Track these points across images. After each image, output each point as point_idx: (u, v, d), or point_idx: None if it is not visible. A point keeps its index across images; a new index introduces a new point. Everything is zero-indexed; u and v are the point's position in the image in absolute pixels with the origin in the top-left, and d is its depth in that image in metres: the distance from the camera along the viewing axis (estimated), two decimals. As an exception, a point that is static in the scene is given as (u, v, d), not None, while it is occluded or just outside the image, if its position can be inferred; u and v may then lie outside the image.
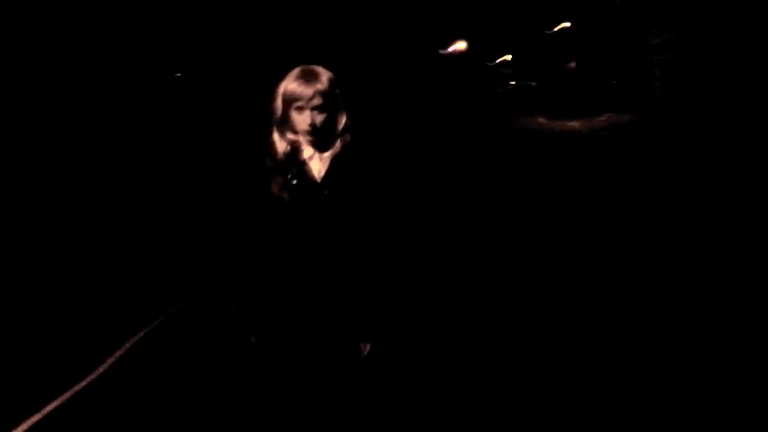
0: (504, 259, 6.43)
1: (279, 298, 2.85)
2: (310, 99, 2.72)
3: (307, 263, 2.83)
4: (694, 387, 3.86)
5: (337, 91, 2.79)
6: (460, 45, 34.23)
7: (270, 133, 2.83)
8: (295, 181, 2.79)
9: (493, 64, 36.64)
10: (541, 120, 23.04)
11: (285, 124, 2.79)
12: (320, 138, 2.79)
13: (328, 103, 2.75)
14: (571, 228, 7.46)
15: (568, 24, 31.75)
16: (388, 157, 3.01)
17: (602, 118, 22.60)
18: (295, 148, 2.81)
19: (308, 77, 2.74)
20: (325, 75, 2.77)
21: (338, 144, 2.83)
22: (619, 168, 12.52)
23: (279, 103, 2.78)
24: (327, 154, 2.83)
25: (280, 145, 2.82)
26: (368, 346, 2.92)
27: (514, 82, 31.83)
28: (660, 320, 4.76)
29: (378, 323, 2.91)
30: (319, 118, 2.75)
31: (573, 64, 31.88)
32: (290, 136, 2.80)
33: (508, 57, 37.68)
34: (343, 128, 2.82)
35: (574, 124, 21.81)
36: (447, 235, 7.66)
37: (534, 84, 31.23)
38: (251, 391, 3.06)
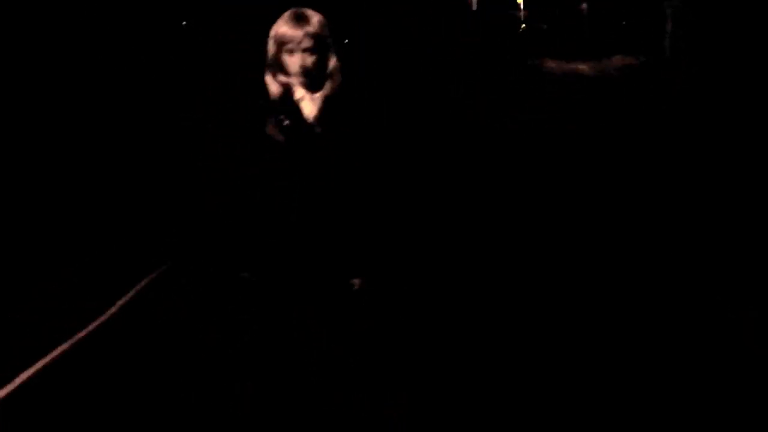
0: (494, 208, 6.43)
1: (272, 236, 2.97)
2: (300, 41, 2.80)
3: (300, 200, 2.94)
4: (694, 387, 3.85)
5: (327, 33, 2.87)
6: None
7: (263, 75, 2.92)
8: (287, 121, 2.88)
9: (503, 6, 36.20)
10: (550, 63, 22.87)
11: (277, 66, 2.88)
12: (311, 79, 2.87)
13: (318, 45, 2.83)
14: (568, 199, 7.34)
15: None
16: (378, 97, 3.09)
17: (612, 61, 22.44)
18: (287, 89, 2.90)
19: (298, 20, 2.82)
20: (315, 17, 2.85)
21: (328, 85, 2.92)
22: (626, 113, 12.47)
23: (271, 45, 2.86)
24: (318, 95, 2.91)
25: (273, 87, 2.91)
26: (359, 281, 3.04)
27: (524, 26, 31.45)
28: (659, 319, 4.74)
29: (368, 259, 3.03)
30: (310, 60, 2.83)
31: (584, 6, 31.49)
32: (282, 78, 2.89)
33: (520, 0, 37.24)
34: (332, 70, 2.91)
35: (584, 66, 21.65)
36: (436, 178, 7.58)
37: (545, 27, 30.86)
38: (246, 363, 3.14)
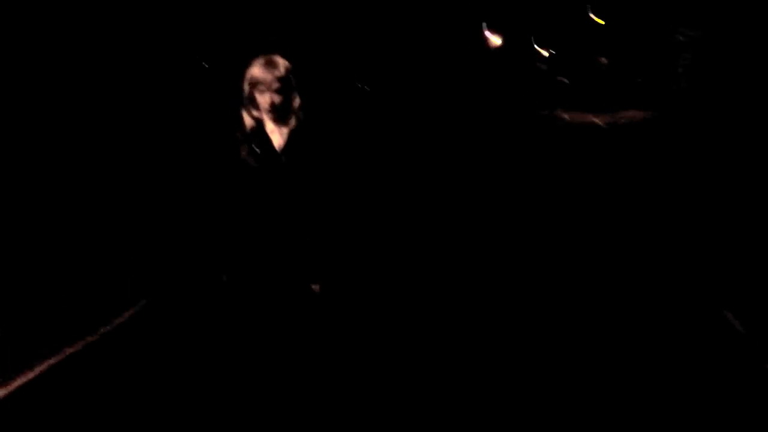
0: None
1: (246, 245, 3.54)
2: (270, 83, 3.40)
3: (269, 217, 3.52)
4: (695, 387, 3.77)
5: (292, 77, 3.46)
6: (495, 40, 34.61)
7: (239, 111, 3.52)
8: (258, 150, 3.47)
9: (528, 59, 36.91)
10: (565, 114, 23.42)
11: (250, 103, 3.47)
12: (279, 115, 3.46)
13: (285, 87, 3.43)
14: (573, 223, 7.17)
15: (602, 21, 31.98)
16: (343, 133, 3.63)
17: (624, 114, 22.96)
18: (259, 123, 3.49)
19: (268, 65, 3.42)
20: (282, 63, 3.45)
21: (293, 120, 3.50)
22: (632, 162, 12.78)
23: (246, 86, 3.46)
24: (285, 129, 3.50)
25: (247, 121, 3.50)
26: (318, 286, 3.60)
27: (546, 78, 32.12)
28: (660, 319, 4.63)
29: (327, 268, 3.59)
30: (278, 99, 3.42)
31: (605, 60, 32.15)
32: (255, 113, 3.48)
33: (545, 53, 37.97)
34: (297, 107, 3.50)
35: (595, 118, 22.17)
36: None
37: (566, 81, 31.52)
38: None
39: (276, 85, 3.40)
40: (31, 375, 3.67)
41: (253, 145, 3.47)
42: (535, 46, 36.49)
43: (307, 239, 3.54)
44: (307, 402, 2.92)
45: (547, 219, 7.66)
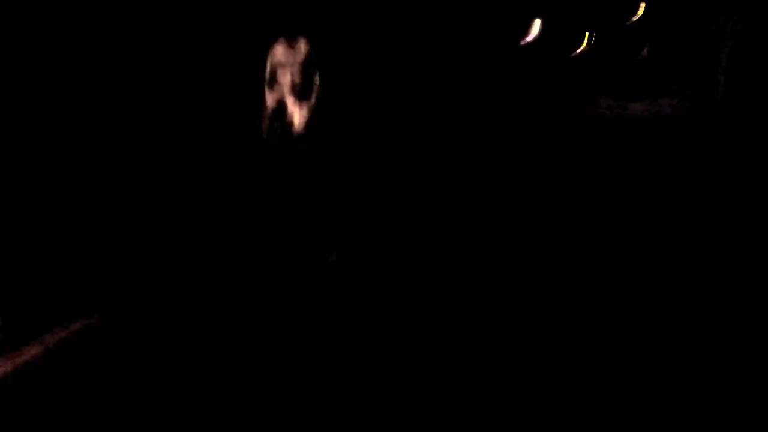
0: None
1: (266, 221, 3.72)
2: (292, 64, 3.57)
3: (290, 191, 3.70)
4: (696, 387, 3.63)
5: (313, 59, 3.63)
6: (534, 31, 34.45)
7: (263, 90, 3.69)
8: (280, 129, 3.65)
9: (571, 53, 36.62)
10: (604, 102, 23.30)
11: (273, 83, 3.65)
12: (299, 94, 3.63)
13: (305, 67, 3.60)
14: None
15: (641, 11, 31.63)
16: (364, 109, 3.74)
17: (665, 102, 22.77)
18: (280, 102, 3.67)
19: (290, 47, 3.60)
20: (303, 46, 3.62)
21: (313, 99, 3.67)
22: (668, 152, 12.73)
23: (269, 67, 3.64)
24: (305, 108, 3.67)
25: (270, 99, 3.68)
26: (335, 254, 3.77)
27: (585, 67, 31.90)
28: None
29: (343, 239, 3.76)
30: (298, 79, 3.59)
31: (645, 51, 31.86)
32: (276, 93, 3.66)
33: (584, 45, 37.69)
34: (317, 87, 3.66)
35: (638, 106, 22.07)
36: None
37: (605, 68, 31.27)
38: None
39: (297, 66, 3.56)
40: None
41: (274, 124, 3.64)
42: (576, 35, 36.25)
43: (325, 216, 3.71)
44: (307, 399, 2.94)
45: (577, 209, 7.53)
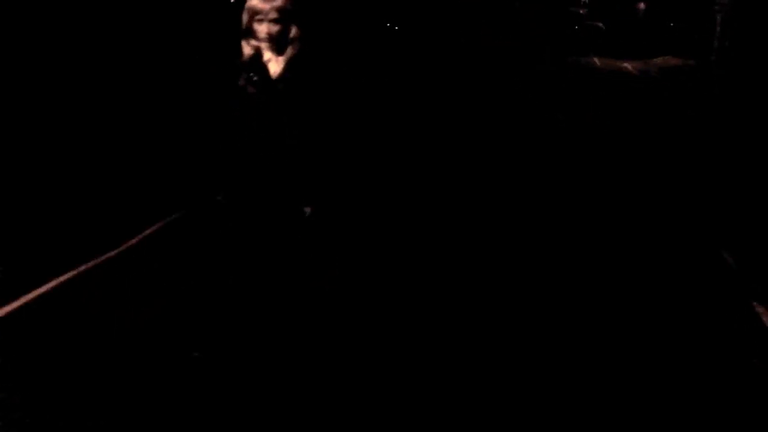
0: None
1: (244, 166, 3.75)
2: (268, 13, 3.56)
3: (266, 140, 3.72)
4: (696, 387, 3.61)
5: (291, 7, 3.62)
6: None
7: (239, 40, 3.69)
8: (256, 78, 3.65)
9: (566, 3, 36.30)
10: (598, 61, 23.17)
11: (249, 33, 3.64)
12: (276, 44, 3.63)
13: (282, 17, 3.59)
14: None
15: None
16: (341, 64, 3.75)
17: (657, 61, 22.63)
18: (257, 52, 3.66)
19: None
20: None
21: (290, 50, 3.67)
22: (660, 112, 12.70)
23: (245, 16, 3.63)
24: (282, 58, 3.67)
25: (246, 49, 3.68)
26: (309, 209, 3.81)
27: (581, 24, 31.64)
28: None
29: (317, 193, 3.80)
30: (275, 29, 3.59)
31: (642, 6, 31.54)
32: (253, 42, 3.65)
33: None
34: (293, 37, 3.66)
35: (627, 65, 21.89)
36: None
37: (601, 25, 31.04)
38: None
39: (273, 15, 3.56)
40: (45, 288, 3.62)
41: (251, 73, 3.65)
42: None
43: (301, 163, 3.74)
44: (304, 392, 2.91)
45: (568, 168, 7.38)
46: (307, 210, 3.82)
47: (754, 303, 3.93)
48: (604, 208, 5.44)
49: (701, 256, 4.59)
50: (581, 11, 36.63)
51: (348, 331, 3.15)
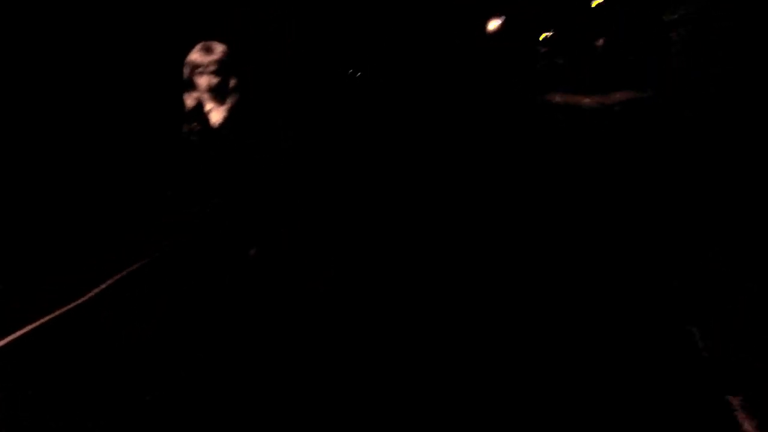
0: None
1: (193, 211, 3.91)
2: (207, 66, 3.76)
3: (211, 186, 3.90)
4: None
5: (229, 60, 3.83)
6: (494, 23, 34.76)
7: (180, 93, 3.89)
8: (198, 127, 3.84)
9: (530, 41, 36.97)
10: (556, 97, 23.62)
11: (191, 86, 3.84)
12: (216, 95, 3.83)
13: (221, 70, 3.79)
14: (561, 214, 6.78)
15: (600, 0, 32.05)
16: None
17: (617, 95, 23.16)
18: (199, 103, 3.86)
19: (206, 50, 3.79)
20: (219, 48, 3.82)
21: (230, 99, 3.87)
22: (620, 145, 12.92)
23: (186, 69, 3.83)
24: (223, 107, 3.87)
25: (189, 101, 3.88)
26: (254, 251, 3.98)
27: (540, 61, 32.25)
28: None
29: (267, 235, 3.97)
30: (214, 81, 3.79)
31: (601, 42, 32.30)
32: (195, 94, 3.85)
33: (549, 34, 38.03)
34: (232, 87, 3.86)
35: (587, 99, 22.39)
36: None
37: (561, 62, 31.67)
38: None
39: (213, 67, 3.76)
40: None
41: (193, 123, 3.84)
42: (534, 29, 36.62)
43: (248, 206, 3.92)
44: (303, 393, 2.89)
45: (532, 202, 7.49)
46: (253, 252, 3.98)
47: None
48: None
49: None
50: (543, 49, 37.40)
51: (343, 332, 3.26)
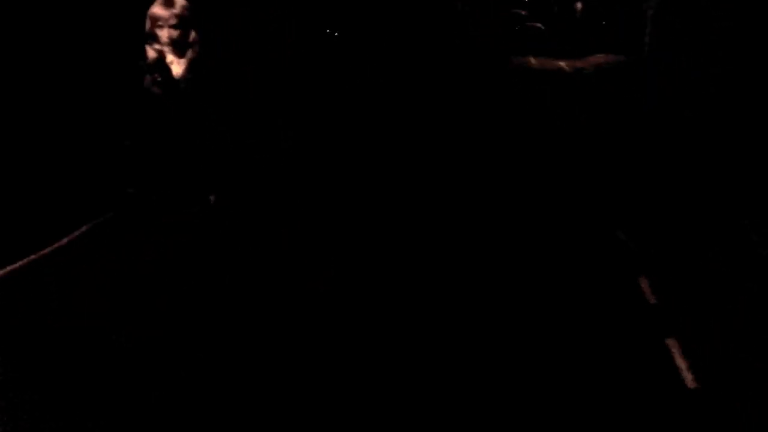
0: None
1: (151, 161, 4.03)
2: (168, 19, 3.86)
3: (172, 136, 4.02)
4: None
5: (189, 14, 3.93)
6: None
7: (142, 45, 3.99)
8: (160, 79, 3.95)
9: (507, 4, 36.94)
10: (533, 61, 23.76)
11: (152, 38, 3.94)
12: (177, 47, 3.93)
13: (181, 23, 3.89)
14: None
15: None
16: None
17: (591, 59, 23.31)
18: (160, 56, 3.96)
19: (167, 3, 3.89)
20: (180, 2, 3.91)
21: (190, 52, 3.98)
22: (593, 109, 13.04)
23: (147, 22, 3.93)
24: (183, 60, 3.98)
25: (150, 54, 3.98)
26: (213, 197, 4.11)
27: (521, 25, 32.32)
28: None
29: (220, 182, 4.10)
30: (175, 33, 3.89)
31: (579, 5, 32.35)
32: (156, 46, 3.95)
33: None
34: (193, 41, 3.97)
35: (562, 63, 22.52)
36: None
37: (540, 26, 31.76)
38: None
39: (173, 21, 3.86)
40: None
41: (155, 75, 3.95)
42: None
43: (205, 156, 4.04)
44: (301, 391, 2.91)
45: (512, 168, 7.42)
46: (212, 198, 4.11)
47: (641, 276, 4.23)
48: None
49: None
50: (522, 12, 37.40)
51: (343, 330, 3.31)
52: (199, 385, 2.81)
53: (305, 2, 11.52)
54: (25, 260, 3.58)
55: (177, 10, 3.79)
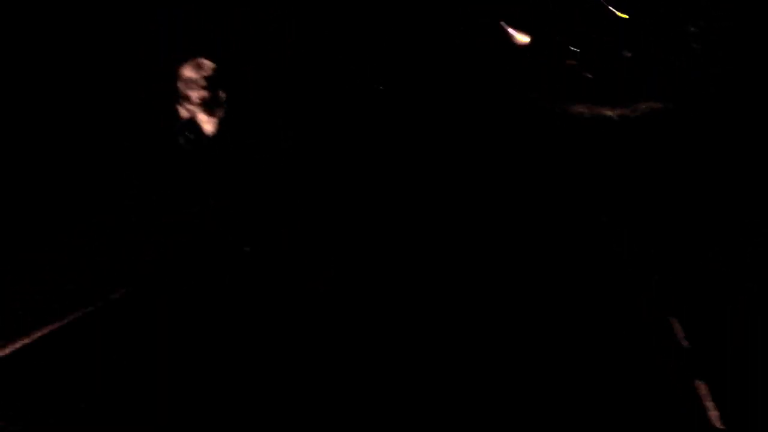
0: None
1: (186, 219, 4.22)
2: (198, 81, 4.10)
3: (205, 193, 4.22)
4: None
5: (218, 75, 4.16)
6: (522, 38, 34.85)
7: (174, 106, 4.22)
8: (192, 137, 4.17)
9: (555, 55, 37.00)
10: (582, 108, 23.71)
11: (184, 99, 4.18)
12: (208, 107, 4.16)
13: (211, 85, 4.12)
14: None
15: (625, 16, 32.06)
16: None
17: (639, 106, 23.18)
18: (191, 116, 4.20)
19: (197, 66, 4.13)
20: (208, 64, 4.15)
21: (221, 111, 4.20)
22: (643, 156, 12.97)
23: (180, 84, 4.17)
24: (214, 119, 4.20)
25: (182, 113, 4.21)
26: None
27: (572, 73, 32.29)
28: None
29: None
30: (206, 94, 4.12)
31: (628, 54, 32.29)
32: (188, 106, 4.18)
33: (572, 49, 38.03)
34: (222, 101, 4.19)
35: (608, 111, 22.47)
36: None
37: (589, 75, 31.68)
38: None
39: (204, 82, 4.09)
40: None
41: (187, 133, 4.17)
42: (562, 42, 36.64)
43: (248, 206, 4.23)
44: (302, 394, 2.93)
45: (552, 212, 7.36)
46: (247, 249, 4.29)
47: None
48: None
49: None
50: (571, 62, 37.40)
51: (343, 330, 3.36)
52: (199, 385, 2.84)
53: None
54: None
55: (206, 72, 4.01)
